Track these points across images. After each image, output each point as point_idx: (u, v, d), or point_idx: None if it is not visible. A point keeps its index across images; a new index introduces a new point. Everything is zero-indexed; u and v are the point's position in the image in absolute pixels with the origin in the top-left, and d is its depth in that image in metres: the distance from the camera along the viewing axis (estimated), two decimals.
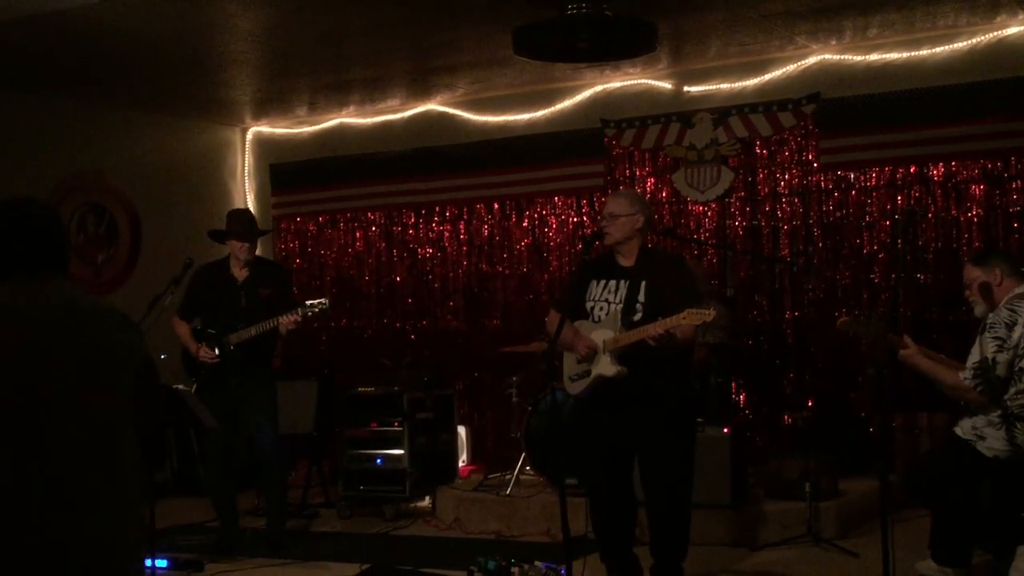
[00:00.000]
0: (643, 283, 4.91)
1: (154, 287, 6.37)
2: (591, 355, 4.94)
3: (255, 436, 6.47)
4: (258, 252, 9.28)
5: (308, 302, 6.26)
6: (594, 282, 5.05)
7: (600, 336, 4.91)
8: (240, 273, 6.44)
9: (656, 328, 4.66)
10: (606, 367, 4.87)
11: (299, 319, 6.18)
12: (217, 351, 6.30)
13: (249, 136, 9.90)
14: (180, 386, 5.58)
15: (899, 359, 4.92)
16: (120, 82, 7.99)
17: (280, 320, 6.17)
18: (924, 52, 7.32)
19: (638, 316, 4.85)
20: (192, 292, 6.47)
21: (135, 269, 8.87)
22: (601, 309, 4.97)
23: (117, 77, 7.83)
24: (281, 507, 6.68)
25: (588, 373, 4.97)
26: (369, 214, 9.37)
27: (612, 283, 4.99)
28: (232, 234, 6.41)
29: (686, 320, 4.57)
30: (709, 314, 4.53)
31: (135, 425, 2.63)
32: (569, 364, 5.12)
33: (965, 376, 4.74)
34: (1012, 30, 7.07)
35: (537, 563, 5.26)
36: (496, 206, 8.84)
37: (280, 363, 8.34)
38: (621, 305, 4.90)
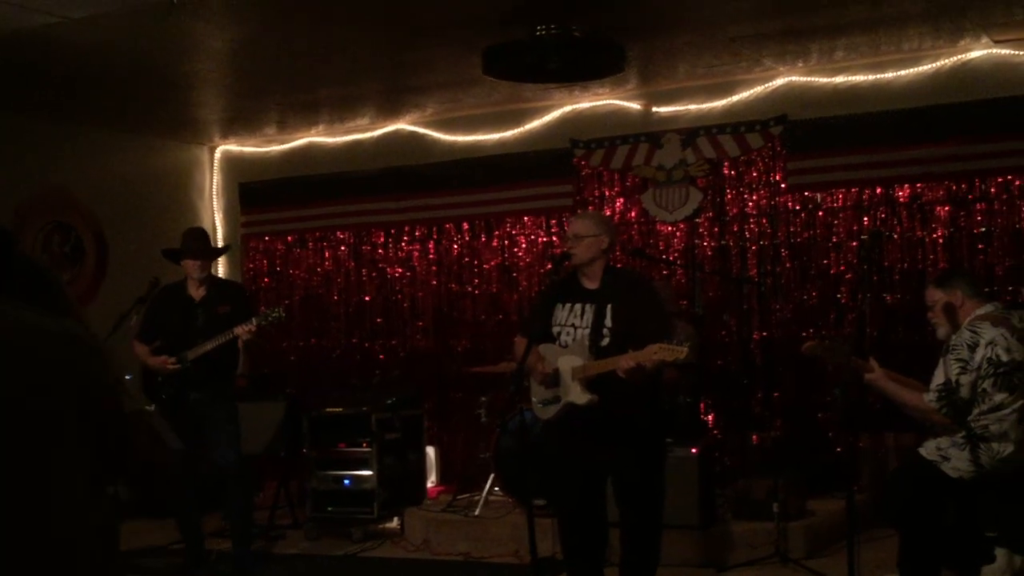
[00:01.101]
0: (609, 306, 4.90)
1: (120, 306, 6.33)
2: (553, 380, 4.92)
3: (216, 455, 6.41)
4: (225, 272, 9.31)
5: (263, 310, 6.25)
6: (559, 306, 5.03)
7: (568, 363, 4.87)
8: (197, 292, 6.41)
9: (627, 361, 4.64)
10: (577, 395, 4.83)
11: (253, 329, 6.15)
12: (175, 363, 6.26)
13: (217, 155, 9.85)
14: (143, 407, 5.52)
15: (864, 382, 4.94)
16: (87, 100, 7.94)
17: (235, 331, 6.14)
18: (890, 75, 7.40)
19: (605, 341, 4.84)
20: (151, 314, 6.42)
21: (100, 288, 8.79)
22: (568, 334, 4.95)
23: (84, 95, 7.78)
24: (246, 528, 6.62)
25: (557, 399, 4.94)
26: (338, 233, 9.35)
27: (578, 307, 4.97)
28: (185, 253, 6.38)
29: (657, 356, 4.54)
30: (682, 351, 4.48)
31: (100, 461, 2.27)
32: (537, 389, 5.09)
33: (930, 398, 4.76)
34: (975, 53, 7.16)
35: None
36: (465, 226, 8.84)
37: (246, 383, 8.28)
38: (588, 330, 4.88)
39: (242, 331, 6.14)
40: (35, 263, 2.44)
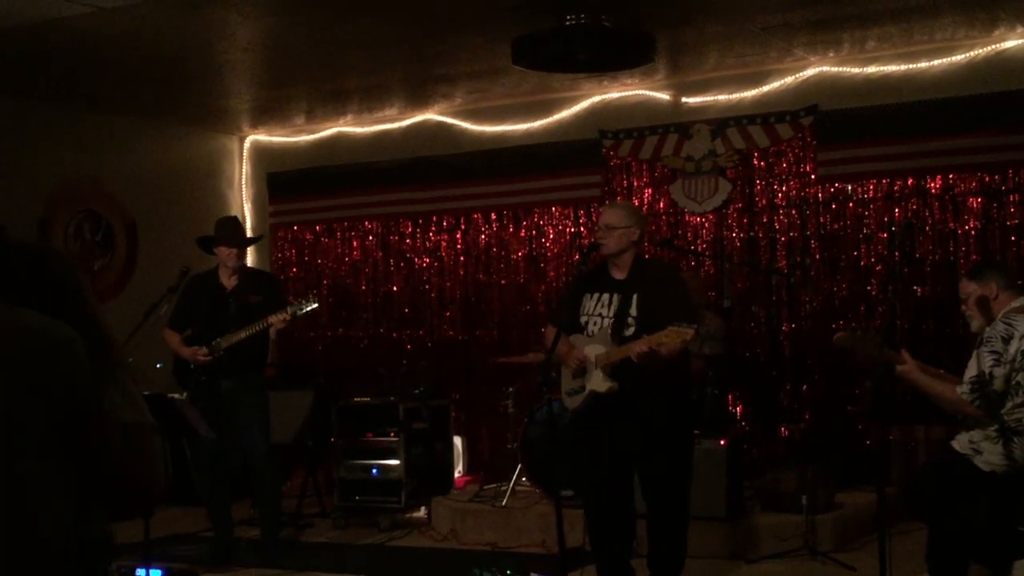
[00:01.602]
0: (635, 296, 4.89)
1: (150, 295, 6.37)
2: (583, 370, 4.93)
3: (246, 444, 6.45)
4: (253, 261, 9.34)
5: (297, 301, 6.27)
6: (587, 295, 5.04)
7: (593, 351, 4.89)
8: (229, 281, 6.44)
9: (639, 346, 4.64)
10: (598, 383, 4.86)
11: (288, 318, 6.17)
12: (207, 354, 6.30)
13: (247, 144, 9.89)
14: (174, 395, 5.56)
15: (896, 374, 4.90)
16: (118, 90, 7.98)
17: (269, 320, 6.16)
18: (922, 65, 7.33)
19: (630, 331, 4.83)
20: (182, 302, 6.46)
21: (132, 277, 8.85)
22: (594, 324, 4.96)
23: (115, 85, 7.82)
24: (275, 516, 6.66)
25: (583, 388, 4.96)
26: (366, 223, 9.36)
27: (605, 296, 4.98)
28: (220, 240, 6.41)
29: (668, 338, 4.54)
30: (688, 332, 4.49)
31: (76, 465, 2.13)
32: (566, 378, 5.11)
33: (963, 391, 4.72)
34: (1010, 43, 7.08)
35: (533, 575, 5.24)
36: (493, 216, 8.84)
37: (275, 372, 8.32)
38: (612, 320, 4.89)
39: (277, 320, 6.17)
40: (36, 253, 2.27)
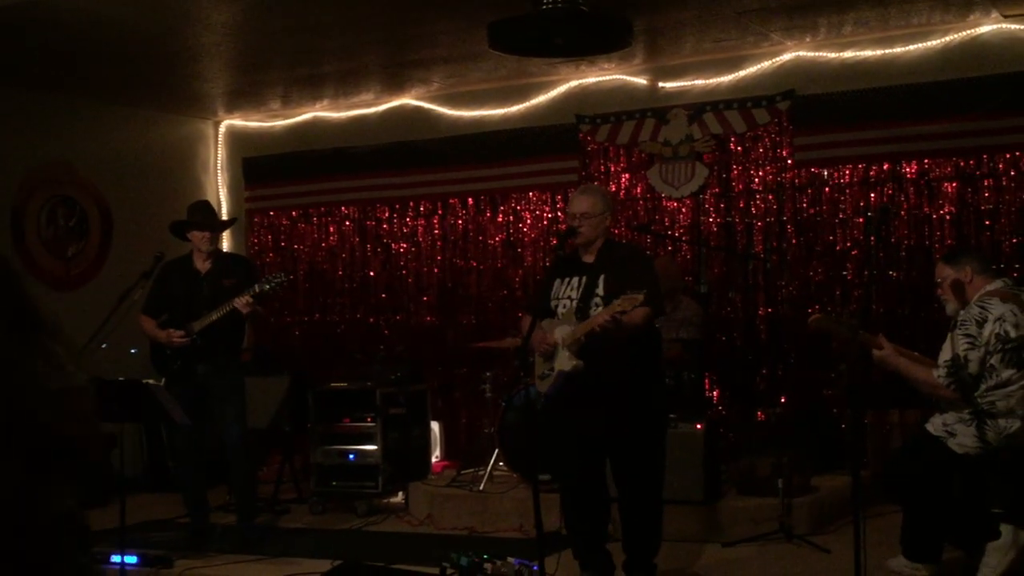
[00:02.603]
0: (602, 276, 4.92)
1: (125, 281, 6.32)
2: (552, 352, 4.94)
3: (221, 430, 6.42)
4: (229, 247, 9.29)
5: (264, 278, 6.23)
6: (558, 280, 5.08)
7: (560, 332, 4.92)
8: (203, 265, 6.40)
9: (600, 317, 4.69)
10: (564, 362, 4.89)
11: (251, 300, 6.12)
12: (183, 336, 6.26)
13: (222, 129, 9.82)
14: (151, 381, 5.52)
15: (874, 359, 4.93)
16: (91, 74, 7.91)
17: (234, 302, 6.11)
18: (898, 49, 7.35)
19: (596, 310, 4.86)
20: (157, 288, 6.42)
21: (105, 263, 8.80)
22: (563, 306, 4.99)
23: (88, 69, 7.75)
24: (251, 502, 6.64)
25: (553, 370, 4.97)
26: (343, 208, 9.33)
27: (575, 280, 5.01)
28: (192, 225, 6.37)
29: (619, 306, 4.59)
30: (638, 297, 4.55)
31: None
32: (538, 363, 5.13)
33: (939, 374, 4.75)
34: (985, 28, 7.11)
35: (510, 559, 5.24)
36: (470, 201, 8.82)
37: (251, 357, 8.28)
38: (578, 300, 4.92)
39: (240, 303, 6.12)
40: None
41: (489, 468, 7.04)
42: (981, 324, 4.71)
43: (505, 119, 8.61)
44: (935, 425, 4.86)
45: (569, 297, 4.99)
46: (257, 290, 6.14)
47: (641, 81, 8.16)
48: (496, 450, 7.04)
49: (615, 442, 4.97)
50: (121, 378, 5.35)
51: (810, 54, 7.61)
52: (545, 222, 8.53)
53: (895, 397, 6.69)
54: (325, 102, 9.14)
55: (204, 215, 6.46)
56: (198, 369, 6.28)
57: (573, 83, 8.37)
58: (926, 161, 7.32)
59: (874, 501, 6.02)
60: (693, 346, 6.99)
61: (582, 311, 4.89)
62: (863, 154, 7.47)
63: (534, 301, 5.23)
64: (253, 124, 9.69)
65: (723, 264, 7.88)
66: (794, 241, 7.69)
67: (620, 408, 4.89)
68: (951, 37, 7.20)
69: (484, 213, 8.77)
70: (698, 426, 6.29)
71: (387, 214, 9.14)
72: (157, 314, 6.38)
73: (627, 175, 8.23)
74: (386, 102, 9.03)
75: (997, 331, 4.68)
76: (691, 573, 5.62)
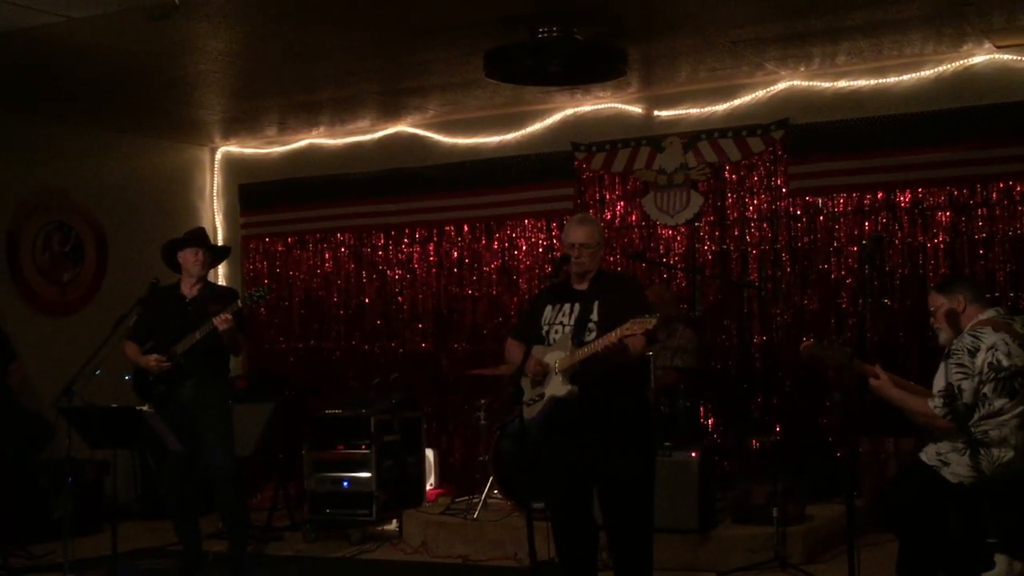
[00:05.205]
0: (596, 302, 4.91)
1: (120, 307, 6.29)
2: (542, 377, 4.91)
3: (207, 456, 6.34)
4: (225, 272, 9.28)
5: (247, 292, 6.21)
6: (549, 307, 5.06)
7: (553, 358, 4.89)
8: (190, 291, 6.36)
9: (608, 338, 4.65)
10: (557, 387, 4.85)
11: (230, 317, 6.06)
12: (166, 361, 6.22)
13: (218, 156, 9.84)
14: (144, 407, 5.50)
15: (870, 389, 4.92)
16: (88, 100, 7.94)
17: (214, 321, 6.06)
18: (891, 79, 7.39)
19: (591, 336, 4.84)
20: (144, 314, 6.36)
21: (101, 288, 8.79)
22: (556, 332, 4.96)
23: (86, 95, 7.78)
24: (242, 529, 6.55)
25: (542, 396, 4.94)
26: (338, 235, 9.34)
27: (567, 306, 5.00)
28: (183, 242, 6.34)
29: (630, 329, 4.56)
30: (651, 321, 4.51)
31: None
32: (526, 388, 5.08)
33: (935, 404, 4.74)
34: (978, 59, 7.16)
35: None
36: (466, 228, 8.83)
37: (244, 384, 8.26)
38: (573, 326, 4.90)
39: (219, 320, 6.06)
40: None
41: (483, 496, 7.02)
42: (973, 353, 4.71)
43: (501, 147, 8.64)
44: (929, 454, 4.85)
45: (561, 323, 4.98)
46: (239, 304, 6.10)
47: (636, 109, 8.20)
48: (490, 478, 7.02)
49: (601, 470, 4.95)
50: (114, 405, 5.33)
51: (804, 83, 7.65)
52: (540, 249, 8.54)
53: (890, 425, 6.68)
54: (321, 129, 9.17)
55: (196, 235, 6.44)
56: (183, 394, 6.22)
57: (568, 111, 8.41)
58: (920, 190, 7.35)
59: (869, 530, 6.00)
60: (688, 374, 6.98)
61: (578, 336, 4.88)
62: (857, 183, 7.50)
63: (523, 328, 5.22)
64: (249, 151, 9.71)
65: (718, 292, 7.89)
66: (789, 269, 7.71)
67: (608, 435, 4.87)
68: (944, 67, 7.25)
69: (479, 240, 8.78)
70: (693, 454, 6.27)
71: (382, 241, 9.16)
72: (142, 341, 6.32)
73: (622, 203, 8.25)
74: (382, 129, 9.06)
75: (990, 360, 4.68)
76: None
